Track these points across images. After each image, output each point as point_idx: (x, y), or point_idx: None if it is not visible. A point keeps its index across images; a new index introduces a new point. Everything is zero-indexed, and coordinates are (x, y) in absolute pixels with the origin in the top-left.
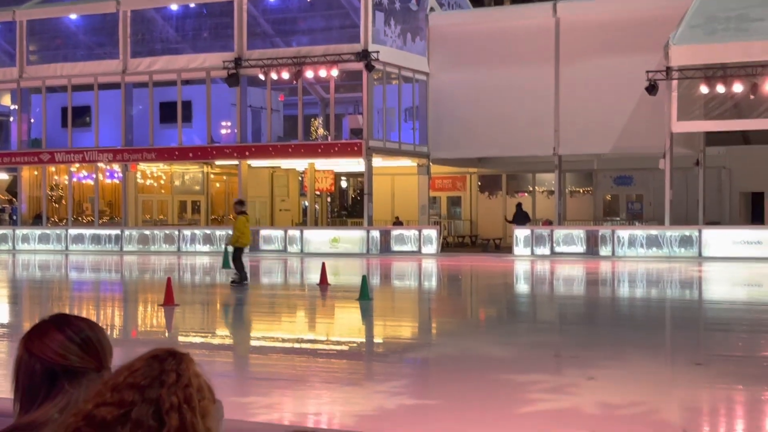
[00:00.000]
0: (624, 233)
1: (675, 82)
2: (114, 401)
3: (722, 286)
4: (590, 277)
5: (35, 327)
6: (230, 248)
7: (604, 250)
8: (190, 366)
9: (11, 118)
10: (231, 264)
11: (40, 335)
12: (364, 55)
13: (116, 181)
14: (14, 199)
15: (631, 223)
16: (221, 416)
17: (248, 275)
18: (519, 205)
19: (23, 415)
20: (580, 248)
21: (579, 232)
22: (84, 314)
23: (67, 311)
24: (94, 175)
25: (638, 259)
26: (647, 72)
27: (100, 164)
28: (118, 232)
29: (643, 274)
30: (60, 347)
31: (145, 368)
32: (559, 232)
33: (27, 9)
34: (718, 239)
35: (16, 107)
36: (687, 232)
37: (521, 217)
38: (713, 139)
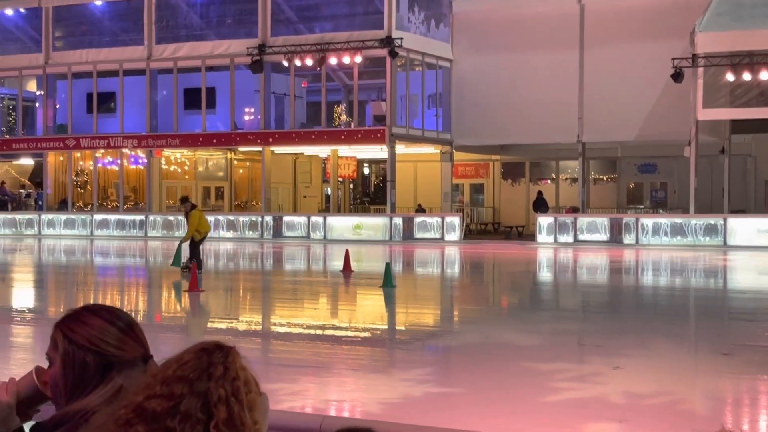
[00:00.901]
0: (648, 221)
1: (701, 70)
2: (163, 394)
3: (747, 275)
4: (614, 265)
5: (77, 318)
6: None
7: (628, 239)
8: (237, 359)
9: (37, 104)
10: (181, 260)
11: (87, 326)
12: (387, 42)
13: (141, 166)
14: (34, 188)
15: (655, 211)
16: (267, 409)
17: (202, 263)
18: (540, 193)
19: (69, 404)
20: (604, 236)
21: (603, 220)
22: (110, 299)
23: (92, 296)
24: (119, 161)
25: (662, 248)
26: (673, 59)
27: (125, 150)
28: (142, 217)
29: (668, 263)
30: (114, 339)
31: (194, 361)
32: (583, 220)
33: None
34: (743, 228)
35: (42, 93)
36: (712, 221)
37: (540, 205)
38: (739, 126)
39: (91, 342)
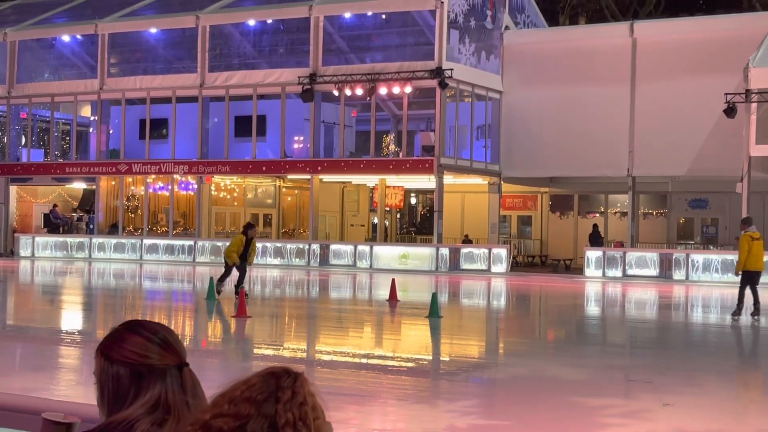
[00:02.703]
0: (698, 257)
1: (754, 105)
2: (231, 413)
3: None
4: (663, 301)
5: (110, 335)
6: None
7: (678, 274)
8: (306, 385)
9: (91, 129)
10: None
11: (119, 341)
12: (437, 73)
13: (190, 192)
14: (83, 214)
15: (705, 247)
16: None
17: (220, 290)
18: (595, 227)
19: (113, 415)
20: (653, 271)
21: (652, 255)
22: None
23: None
24: (169, 186)
25: (713, 284)
26: (726, 94)
27: (176, 176)
28: (191, 242)
29: (718, 300)
30: (141, 349)
31: (261, 384)
32: (632, 255)
33: (109, 22)
34: None
35: (96, 118)
36: (764, 258)
37: (596, 239)
38: None
39: (123, 356)
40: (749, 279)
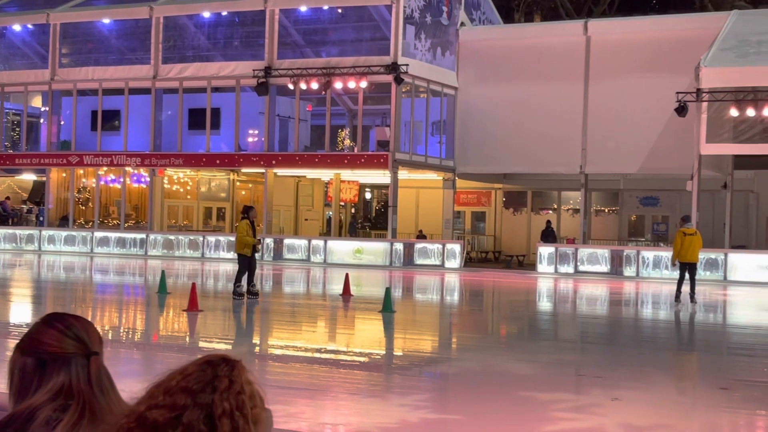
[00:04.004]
0: (649, 254)
1: (705, 104)
2: (166, 404)
3: (747, 310)
4: (614, 297)
5: (28, 330)
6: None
7: (629, 271)
8: (243, 373)
9: (41, 120)
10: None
11: (35, 335)
12: (393, 68)
13: (143, 185)
14: (33, 206)
15: (656, 244)
16: (271, 425)
17: (242, 292)
18: (548, 223)
19: (19, 405)
20: (605, 268)
21: (604, 252)
22: (107, 317)
23: (90, 313)
24: (121, 179)
25: (663, 281)
26: (677, 93)
27: (128, 168)
28: (143, 236)
29: (667, 296)
30: (53, 339)
31: (198, 373)
32: (584, 251)
33: (61, 12)
34: (743, 263)
35: (47, 109)
36: (713, 255)
37: (548, 235)
38: (741, 162)
39: (32, 347)
40: (684, 269)
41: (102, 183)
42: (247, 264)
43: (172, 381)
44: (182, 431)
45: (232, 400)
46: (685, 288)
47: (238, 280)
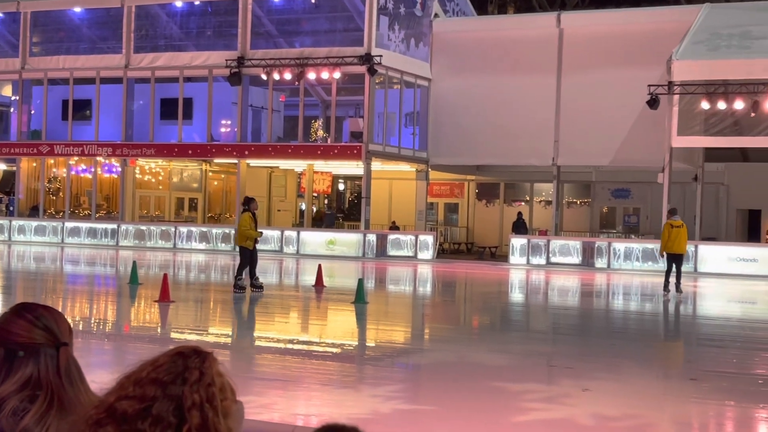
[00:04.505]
0: (620, 246)
1: (676, 97)
2: (136, 395)
3: (717, 302)
4: (585, 288)
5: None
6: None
7: (600, 262)
8: (214, 365)
9: (12, 109)
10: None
11: (4, 325)
12: (366, 59)
13: (114, 175)
14: (3, 195)
15: (627, 236)
16: (242, 417)
17: (243, 285)
18: (519, 215)
19: None
20: (576, 259)
21: (575, 243)
22: (78, 308)
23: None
24: (92, 169)
25: (634, 273)
26: (649, 86)
27: (99, 158)
28: (114, 226)
29: (638, 288)
30: (20, 329)
31: (168, 364)
32: (556, 243)
33: (32, 0)
34: (713, 255)
35: (17, 98)
36: (684, 243)
37: (520, 227)
38: (712, 155)
39: (2, 338)
40: (671, 260)
41: (73, 173)
42: (248, 257)
43: (142, 372)
44: (151, 423)
45: (202, 392)
46: (680, 282)
47: (239, 273)
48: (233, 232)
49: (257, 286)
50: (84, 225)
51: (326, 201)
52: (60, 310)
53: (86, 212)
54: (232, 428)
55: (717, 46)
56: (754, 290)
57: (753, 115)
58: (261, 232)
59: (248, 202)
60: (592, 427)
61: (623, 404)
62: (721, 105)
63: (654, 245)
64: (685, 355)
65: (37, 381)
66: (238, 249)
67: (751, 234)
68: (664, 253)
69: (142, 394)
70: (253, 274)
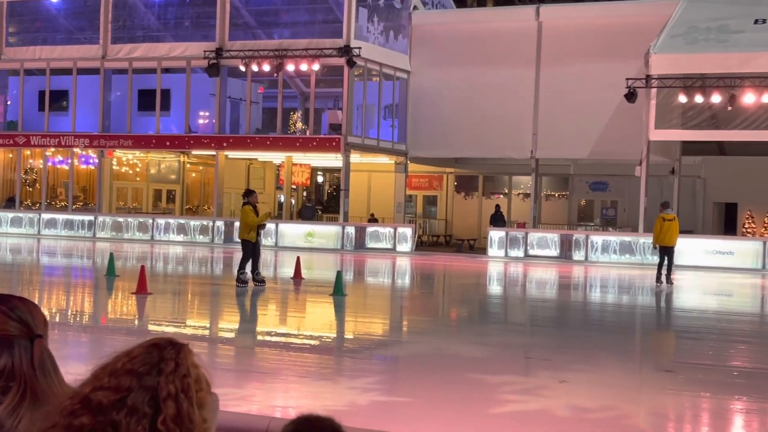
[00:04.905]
0: (598, 239)
1: (654, 91)
2: (111, 386)
3: (693, 294)
4: (563, 281)
5: None
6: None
7: (578, 255)
8: (189, 356)
9: None
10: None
11: None
12: (346, 51)
13: (91, 167)
14: None
15: (604, 228)
16: (216, 408)
17: (246, 279)
18: (497, 207)
19: None
20: (554, 252)
21: (553, 236)
22: (54, 300)
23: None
24: (69, 160)
25: (611, 265)
26: (627, 79)
27: (76, 149)
28: (91, 218)
29: (615, 280)
30: None
31: (144, 355)
32: (534, 235)
33: None
34: (690, 248)
35: None
36: (675, 236)
37: (498, 219)
38: (689, 148)
39: None
40: (663, 252)
41: (49, 164)
42: (251, 250)
43: (117, 363)
44: (127, 413)
45: (178, 383)
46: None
47: (242, 266)
48: (219, 224)
49: (259, 281)
50: (61, 217)
51: (305, 193)
52: (36, 302)
53: (63, 204)
54: (207, 419)
55: (695, 39)
56: (731, 283)
57: (730, 108)
58: (266, 221)
59: (249, 195)
60: (569, 419)
61: (600, 396)
62: (699, 98)
63: (631, 238)
64: (661, 347)
65: (10, 373)
66: (240, 242)
67: (727, 227)
68: (657, 246)
69: (117, 385)
70: (255, 269)
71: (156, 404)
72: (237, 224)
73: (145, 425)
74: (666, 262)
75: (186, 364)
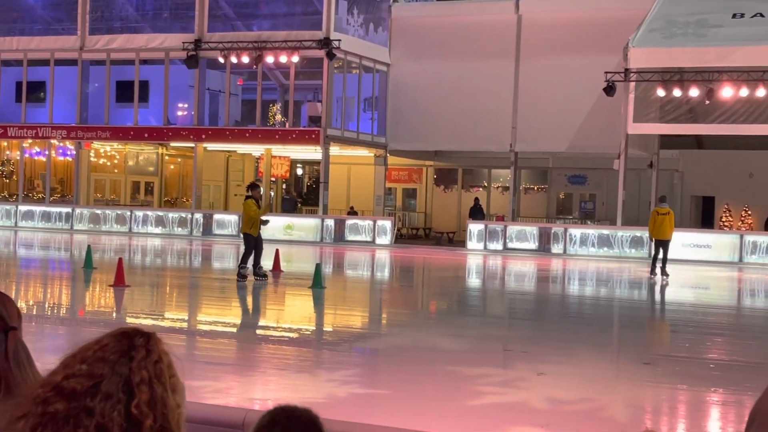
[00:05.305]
0: (576, 232)
1: (632, 84)
2: (84, 373)
3: (671, 287)
4: (541, 273)
5: None
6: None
7: (556, 248)
8: (159, 344)
9: None
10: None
11: None
12: (325, 43)
13: (69, 158)
14: None
15: (583, 222)
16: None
17: (245, 274)
18: (476, 201)
19: None
20: (533, 245)
21: (532, 229)
22: (31, 292)
23: (13, 288)
24: (46, 152)
25: (589, 258)
26: (606, 73)
27: (53, 141)
28: (69, 210)
29: (594, 273)
30: None
31: (114, 343)
32: (513, 228)
33: None
34: None
35: None
36: (638, 233)
37: (477, 212)
38: (667, 142)
39: None
40: (658, 245)
41: (27, 156)
42: (253, 244)
43: (88, 351)
44: (101, 399)
45: (150, 368)
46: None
47: (243, 261)
48: (197, 216)
49: (261, 276)
50: (38, 209)
51: (284, 186)
52: (13, 294)
53: (40, 196)
54: (180, 404)
55: (673, 34)
56: (708, 276)
57: (708, 102)
58: (267, 213)
59: (253, 188)
60: (547, 411)
61: (577, 388)
62: (677, 92)
63: (609, 231)
64: (639, 339)
65: None
66: (242, 237)
67: (704, 220)
68: (653, 239)
69: (90, 372)
70: (256, 263)
71: (129, 390)
72: (229, 218)
73: (120, 410)
74: (661, 255)
75: (157, 351)
